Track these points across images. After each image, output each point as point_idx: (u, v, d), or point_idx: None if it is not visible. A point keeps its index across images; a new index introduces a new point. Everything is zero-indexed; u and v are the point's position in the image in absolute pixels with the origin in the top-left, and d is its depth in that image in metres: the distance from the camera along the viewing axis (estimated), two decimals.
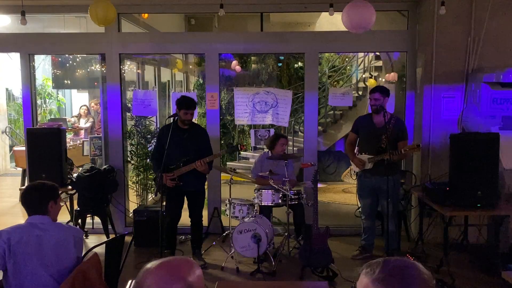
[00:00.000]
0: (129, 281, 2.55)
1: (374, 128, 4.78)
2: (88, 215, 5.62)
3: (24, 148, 6.25)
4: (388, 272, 1.23)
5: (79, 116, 9.24)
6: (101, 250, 2.98)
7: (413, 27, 5.60)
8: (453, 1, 5.05)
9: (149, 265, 1.40)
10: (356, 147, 5.01)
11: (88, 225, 5.67)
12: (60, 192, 5.46)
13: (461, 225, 4.92)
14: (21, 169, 7.62)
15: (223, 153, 4.83)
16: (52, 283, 2.55)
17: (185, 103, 4.58)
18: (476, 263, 4.68)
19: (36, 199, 2.63)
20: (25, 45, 5.80)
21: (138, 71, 8.00)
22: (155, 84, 8.61)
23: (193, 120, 8.47)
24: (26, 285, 2.50)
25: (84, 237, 5.65)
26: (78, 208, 5.47)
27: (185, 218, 4.95)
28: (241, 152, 10.12)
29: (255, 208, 4.95)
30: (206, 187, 6.00)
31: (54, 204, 2.66)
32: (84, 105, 9.29)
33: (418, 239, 5.12)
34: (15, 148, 8.11)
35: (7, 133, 10.87)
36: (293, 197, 4.91)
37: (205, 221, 5.61)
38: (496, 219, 4.65)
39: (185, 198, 4.84)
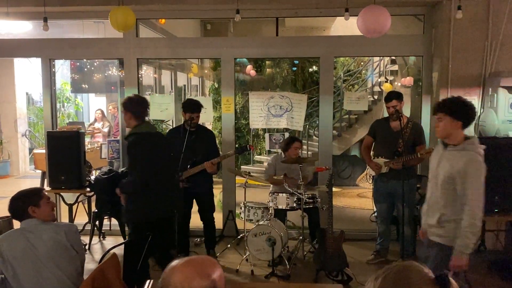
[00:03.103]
0: (147, 281, 2.60)
1: (391, 132, 4.77)
2: (105, 217, 5.71)
3: (43, 151, 6.38)
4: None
5: (94, 121, 9.29)
6: (119, 251, 3.04)
7: (429, 31, 5.57)
8: (470, 5, 5.03)
9: (174, 263, 1.43)
10: (372, 151, 5.00)
11: (105, 227, 5.76)
12: (79, 195, 5.55)
13: None
14: (40, 171, 7.76)
15: (231, 154, 4.93)
16: (60, 276, 2.65)
17: (191, 106, 4.69)
18: (494, 269, 4.62)
19: (14, 207, 2.78)
20: (46, 50, 5.94)
21: (155, 75, 8.11)
22: (172, 88, 8.71)
23: (209, 124, 8.51)
24: (31, 285, 2.60)
25: (102, 238, 5.75)
26: (96, 210, 5.57)
27: (198, 220, 5.01)
28: (256, 156, 10.16)
29: (270, 211, 4.97)
30: (220, 190, 6.08)
31: (35, 207, 2.76)
32: (99, 109, 9.32)
33: None
34: (35, 151, 8.26)
35: (27, 136, 11.10)
36: (308, 200, 4.92)
37: (220, 224, 5.66)
38: None
39: (194, 201, 4.91)
